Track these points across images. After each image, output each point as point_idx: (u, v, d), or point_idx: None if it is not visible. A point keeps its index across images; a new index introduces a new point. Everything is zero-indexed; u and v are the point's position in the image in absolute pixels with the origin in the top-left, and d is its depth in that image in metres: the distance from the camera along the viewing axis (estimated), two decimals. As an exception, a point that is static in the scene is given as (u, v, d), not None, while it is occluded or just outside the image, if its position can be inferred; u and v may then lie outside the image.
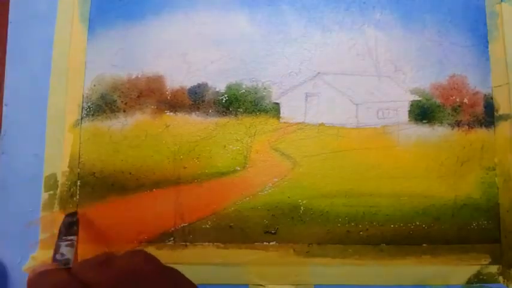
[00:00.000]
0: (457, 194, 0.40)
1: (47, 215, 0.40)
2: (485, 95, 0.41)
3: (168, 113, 0.41)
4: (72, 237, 0.35)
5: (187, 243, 0.40)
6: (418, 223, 0.40)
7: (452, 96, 0.41)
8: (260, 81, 0.41)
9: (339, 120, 0.41)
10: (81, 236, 0.39)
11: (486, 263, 0.39)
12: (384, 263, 0.39)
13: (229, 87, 0.41)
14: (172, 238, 0.39)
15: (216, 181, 0.40)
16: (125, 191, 0.40)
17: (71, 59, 0.41)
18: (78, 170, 0.40)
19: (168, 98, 0.41)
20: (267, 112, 0.41)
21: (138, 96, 0.41)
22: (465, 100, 0.41)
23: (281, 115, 0.41)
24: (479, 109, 0.41)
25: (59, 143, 0.41)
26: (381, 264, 0.39)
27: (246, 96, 0.41)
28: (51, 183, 0.40)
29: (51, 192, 0.40)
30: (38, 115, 0.41)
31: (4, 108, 0.41)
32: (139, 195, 0.40)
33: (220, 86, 0.41)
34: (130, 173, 0.40)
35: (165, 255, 0.39)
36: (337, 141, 0.41)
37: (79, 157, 0.40)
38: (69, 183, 0.40)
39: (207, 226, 0.40)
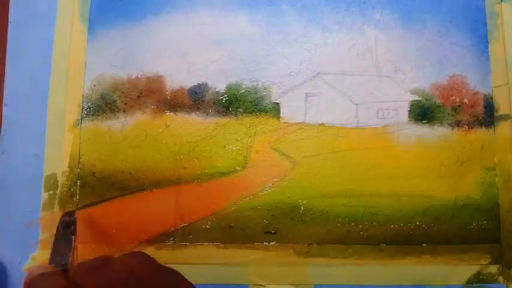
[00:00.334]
0: (457, 194, 0.40)
1: (47, 215, 0.40)
2: (485, 95, 0.41)
3: (168, 113, 0.41)
4: (69, 237, 0.35)
5: (187, 243, 0.40)
6: (418, 223, 0.40)
7: (452, 96, 0.41)
8: (260, 81, 0.41)
9: (339, 120, 0.41)
10: (81, 235, 0.39)
11: (486, 263, 0.39)
12: (384, 263, 0.39)
13: (229, 87, 0.41)
14: (172, 238, 0.39)
15: (216, 181, 0.40)
16: (124, 191, 0.40)
17: (71, 59, 0.41)
18: (78, 170, 0.40)
19: (168, 98, 0.41)
20: (267, 112, 0.41)
21: (138, 96, 0.41)
22: (465, 100, 0.41)
23: (281, 115, 0.41)
24: (479, 109, 0.41)
25: (59, 143, 0.41)
26: (381, 264, 0.39)
27: (246, 96, 0.41)
28: (51, 183, 0.40)
29: (51, 192, 0.40)
30: (38, 115, 0.41)
31: (4, 108, 0.41)
32: (139, 195, 0.40)
33: (220, 86, 0.41)
34: (130, 173, 0.40)
35: (165, 255, 0.39)
36: (337, 141, 0.41)
37: (79, 157, 0.40)
38: (69, 183, 0.40)
39: (207, 226, 0.40)
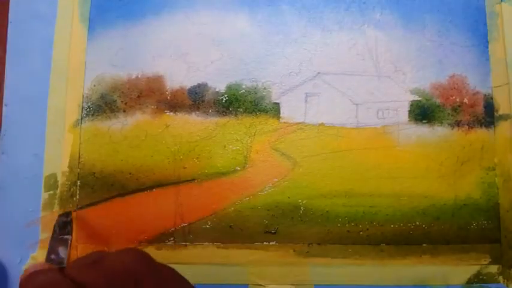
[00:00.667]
0: (457, 194, 0.40)
1: (47, 215, 0.40)
2: (485, 95, 0.41)
3: (168, 113, 0.41)
4: (66, 237, 0.35)
5: (187, 243, 0.40)
6: (418, 223, 0.40)
7: (452, 96, 0.41)
8: (260, 81, 0.41)
9: (339, 120, 0.41)
10: (82, 235, 0.39)
11: (486, 263, 0.39)
12: (384, 263, 0.39)
13: (229, 87, 0.41)
14: (172, 238, 0.39)
15: (216, 181, 0.40)
16: (125, 191, 0.40)
17: (71, 59, 0.41)
18: (78, 170, 0.40)
19: (168, 98, 0.41)
20: (267, 112, 0.41)
21: (138, 96, 0.41)
22: (465, 100, 0.41)
23: (281, 115, 0.41)
24: (479, 109, 0.41)
25: (59, 143, 0.41)
26: (380, 264, 0.39)
27: (246, 96, 0.41)
28: (51, 183, 0.40)
29: (51, 192, 0.40)
30: (38, 115, 0.41)
31: (4, 108, 0.41)
32: (139, 195, 0.40)
33: (220, 86, 0.41)
34: (130, 173, 0.40)
35: (165, 255, 0.39)
36: (337, 141, 0.41)
37: (79, 157, 0.40)
38: (69, 183, 0.40)
39: (207, 226, 0.40)
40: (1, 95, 0.41)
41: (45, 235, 0.39)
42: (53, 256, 0.33)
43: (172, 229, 0.40)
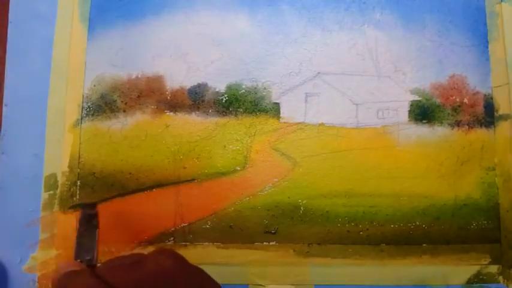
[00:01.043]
0: (457, 194, 0.40)
1: (47, 215, 0.40)
2: (485, 95, 0.41)
3: (168, 113, 0.41)
4: (93, 231, 0.33)
5: (187, 243, 0.40)
6: (418, 223, 0.40)
7: (452, 96, 0.41)
8: (260, 81, 0.41)
9: (339, 120, 0.41)
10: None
11: (486, 263, 0.39)
12: (384, 263, 0.39)
13: (229, 87, 0.41)
14: (172, 238, 0.39)
15: (216, 181, 0.40)
16: (124, 191, 0.40)
17: (71, 59, 0.41)
18: (78, 170, 0.40)
19: (168, 98, 0.41)
20: (267, 112, 0.41)
21: (138, 96, 0.41)
22: (465, 100, 0.41)
23: (281, 115, 0.41)
24: (479, 109, 0.41)
25: (59, 143, 0.41)
26: (380, 264, 0.39)
27: (246, 96, 0.41)
28: (51, 183, 0.40)
29: (51, 192, 0.40)
30: (38, 115, 0.41)
31: (4, 108, 0.41)
32: (139, 195, 0.40)
33: (220, 86, 0.41)
34: (130, 173, 0.40)
35: (165, 255, 0.39)
36: (337, 141, 0.41)
37: (79, 157, 0.40)
38: (69, 183, 0.40)
39: (207, 226, 0.40)
40: (1, 95, 0.41)
41: (45, 235, 0.39)
42: (81, 252, 0.32)
43: (172, 229, 0.40)
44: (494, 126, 0.41)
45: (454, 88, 0.41)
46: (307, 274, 0.39)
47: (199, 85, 0.41)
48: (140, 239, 0.40)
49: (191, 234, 0.40)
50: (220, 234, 0.40)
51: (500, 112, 0.41)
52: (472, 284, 0.39)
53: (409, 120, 0.41)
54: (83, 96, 0.41)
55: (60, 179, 0.40)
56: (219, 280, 0.39)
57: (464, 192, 0.40)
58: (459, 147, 0.41)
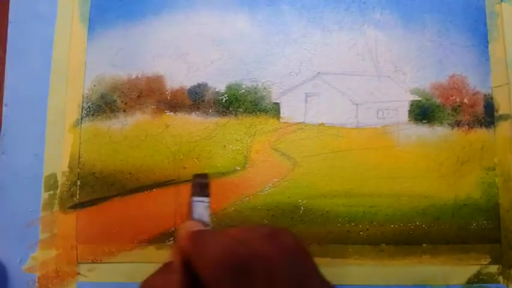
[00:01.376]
0: (457, 194, 0.40)
1: (47, 215, 0.40)
2: (485, 95, 0.41)
3: (168, 113, 0.41)
4: (206, 199, 0.34)
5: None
6: (418, 223, 0.40)
7: (452, 96, 0.41)
8: (260, 81, 0.41)
9: (339, 120, 0.41)
10: (82, 235, 0.39)
11: (486, 263, 0.39)
12: (384, 263, 0.39)
13: (229, 87, 0.41)
14: (172, 238, 0.39)
15: (216, 181, 0.40)
16: (124, 190, 0.40)
17: (71, 59, 0.41)
18: (78, 170, 0.40)
19: (168, 98, 0.41)
20: (267, 112, 0.41)
21: (138, 96, 0.41)
22: (465, 100, 0.41)
23: (281, 115, 0.41)
24: (479, 109, 0.41)
25: (59, 143, 0.41)
26: (380, 264, 0.39)
27: (246, 96, 0.41)
28: (51, 183, 0.40)
29: (51, 192, 0.40)
30: (38, 115, 0.41)
31: (4, 108, 0.41)
32: (139, 195, 0.40)
33: (220, 86, 0.41)
34: (130, 173, 0.40)
35: (165, 255, 0.39)
36: (337, 141, 0.41)
37: (79, 157, 0.40)
38: (69, 183, 0.40)
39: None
40: (1, 95, 0.41)
41: (45, 235, 0.39)
42: (196, 217, 0.32)
43: (172, 229, 0.40)
44: (494, 126, 0.41)
45: (454, 88, 0.41)
46: (307, 274, 0.39)
47: (199, 85, 0.41)
48: (140, 239, 0.40)
49: (191, 234, 0.39)
50: (220, 234, 0.39)
51: (500, 112, 0.41)
52: (472, 284, 0.39)
53: (409, 120, 0.41)
54: (83, 96, 0.41)
55: (60, 179, 0.40)
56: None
57: (464, 192, 0.40)
58: (459, 147, 0.41)
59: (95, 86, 0.41)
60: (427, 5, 0.42)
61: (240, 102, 0.41)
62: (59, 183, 0.40)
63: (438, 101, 0.41)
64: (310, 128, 0.41)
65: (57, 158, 0.40)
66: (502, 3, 0.42)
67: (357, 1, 0.42)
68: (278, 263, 0.24)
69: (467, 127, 0.41)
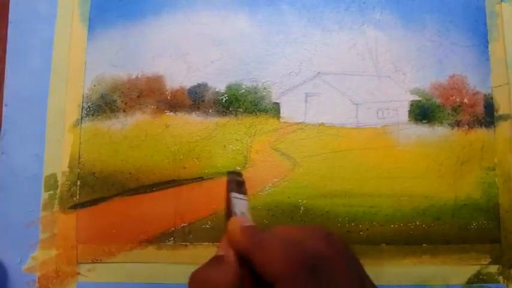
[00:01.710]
0: (457, 194, 0.40)
1: (47, 215, 0.40)
2: (485, 95, 0.41)
3: (168, 113, 0.41)
4: (245, 196, 0.34)
5: (187, 243, 0.39)
6: (418, 223, 0.40)
7: (452, 96, 0.41)
8: (260, 81, 0.41)
9: (339, 120, 0.41)
10: (81, 235, 0.39)
11: (486, 263, 0.39)
12: (384, 263, 0.39)
13: (229, 87, 0.41)
14: (172, 238, 0.39)
15: (216, 181, 0.40)
16: (124, 190, 0.40)
17: (71, 59, 0.41)
18: (78, 170, 0.40)
19: (168, 98, 0.41)
20: (267, 112, 0.41)
21: (138, 96, 0.41)
22: (465, 100, 0.41)
23: (281, 115, 0.41)
24: (479, 109, 0.41)
25: (59, 143, 0.41)
26: (380, 264, 0.39)
27: (246, 96, 0.41)
28: (51, 183, 0.40)
29: (51, 192, 0.40)
30: (38, 115, 0.41)
31: (4, 108, 0.41)
32: (139, 195, 0.40)
33: (220, 86, 0.41)
34: (130, 173, 0.40)
35: (165, 255, 0.39)
36: (337, 141, 0.41)
37: (79, 157, 0.40)
38: (69, 183, 0.40)
39: (207, 226, 0.40)
40: (1, 95, 0.41)
41: (45, 235, 0.39)
42: (239, 213, 0.32)
43: (172, 229, 0.40)
44: (494, 126, 0.41)
45: (454, 88, 0.41)
46: (307, 274, 0.39)
47: (199, 85, 0.41)
48: (140, 239, 0.40)
49: (191, 234, 0.40)
50: (220, 234, 0.39)
51: (500, 112, 0.41)
52: (472, 284, 0.39)
53: (409, 120, 0.41)
54: (83, 96, 0.41)
55: (60, 179, 0.40)
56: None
57: (464, 192, 0.40)
58: (459, 147, 0.41)
59: (95, 86, 0.41)
60: (427, 5, 0.42)
61: (240, 102, 0.41)
62: (59, 183, 0.40)
63: (438, 101, 0.41)
64: (310, 128, 0.41)
65: (57, 158, 0.40)
66: (502, 3, 0.42)
67: (357, 1, 0.42)
68: (340, 264, 0.24)
69: (467, 127, 0.41)
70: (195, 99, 0.41)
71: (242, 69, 0.41)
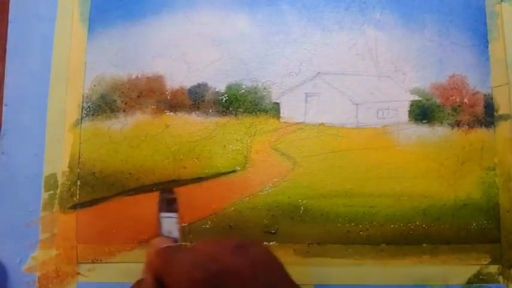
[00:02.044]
0: (457, 194, 0.40)
1: (47, 215, 0.40)
2: (485, 95, 0.41)
3: (168, 113, 0.41)
4: (174, 214, 0.34)
5: (187, 243, 0.39)
6: (418, 223, 0.40)
7: (452, 96, 0.41)
8: (260, 81, 0.41)
9: (339, 120, 0.41)
10: (81, 235, 0.39)
11: (486, 263, 0.39)
12: (384, 263, 0.39)
13: (229, 87, 0.41)
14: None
15: (216, 181, 0.40)
16: (124, 190, 0.40)
17: (71, 59, 0.41)
18: (78, 170, 0.40)
19: (168, 98, 0.41)
20: (267, 112, 0.41)
21: (138, 96, 0.41)
22: (465, 100, 0.41)
23: (281, 115, 0.41)
24: (479, 109, 0.41)
25: (59, 143, 0.41)
26: (380, 264, 0.39)
27: (246, 96, 0.41)
28: (51, 183, 0.40)
29: (51, 192, 0.40)
30: (38, 115, 0.41)
31: (4, 108, 0.41)
32: (140, 195, 0.40)
33: (220, 86, 0.41)
34: (130, 173, 0.40)
35: (165, 255, 0.39)
36: (337, 141, 0.41)
37: (79, 157, 0.40)
38: (69, 183, 0.40)
39: (207, 226, 0.40)
40: (1, 95, 0.41)
41: (45, 235, 0.39)
42: (165, 233, 0.33)
43: (172, 229, 0.40)
44: (494, 126, 0.41)
45: (454, 88, 0.41)
46: (307, 274, 0.39)
47: (199, 85, 0.41)
48: (140, 239, 0.40)
49: (191, 234, 0.40)
50: (220, 234, 0.40)
51: (500, 112, 0.41)
52: (472, 284, 0.39)
53: (409, 120, 0.41)
54: (83, 96, 0.41)
55: (60, 179, 0.40)
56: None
57: (464, 192, 0.40)
58: (459, 147, 0.41)
59: (95, 86, 0.41)
60: (427, 4, 0.42)
61: (240, 102, 0.41)
62: (59, 183, 0.40)
63: (438, 101, 0.41)
64: (310, 128, 0.41)
65: (57, 158, 0.40)
66: (502, 3, 0.42)
67: (357, 1, 0.42)
68: (248, 276, 0.24)
69: (467, 127, 0.41)
70: (195, 99, 0.41)
71: (242, 69, 0.41)
